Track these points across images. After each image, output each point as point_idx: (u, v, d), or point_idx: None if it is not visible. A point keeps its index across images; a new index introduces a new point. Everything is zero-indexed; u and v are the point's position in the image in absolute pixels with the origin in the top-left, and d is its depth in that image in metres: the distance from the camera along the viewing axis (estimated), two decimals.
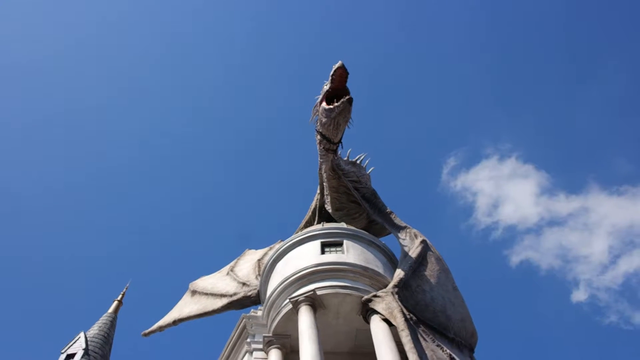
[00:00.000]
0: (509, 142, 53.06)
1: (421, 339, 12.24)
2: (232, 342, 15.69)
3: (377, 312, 13.17)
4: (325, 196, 18.52)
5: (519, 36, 51.81)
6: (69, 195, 53.68)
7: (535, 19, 50.20)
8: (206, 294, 18.53)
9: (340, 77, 14.65)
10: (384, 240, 17.64)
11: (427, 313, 13.51)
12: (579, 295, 45.72)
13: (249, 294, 17.12)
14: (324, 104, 15.21)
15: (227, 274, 19.16)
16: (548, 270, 48.02)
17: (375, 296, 13.45)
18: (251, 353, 14.38)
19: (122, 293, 25.78)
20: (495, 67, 53.07)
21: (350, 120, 15.34)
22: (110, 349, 22.79)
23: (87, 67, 53.02)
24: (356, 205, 18.09)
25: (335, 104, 14.79)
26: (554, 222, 50.11)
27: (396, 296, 13.16)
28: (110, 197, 54.20)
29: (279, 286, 14.88)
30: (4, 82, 50.68)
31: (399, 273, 14.11)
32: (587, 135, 50.28)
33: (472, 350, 14.42)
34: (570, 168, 51.90)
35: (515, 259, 50.16)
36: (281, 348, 14.11)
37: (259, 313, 15.56)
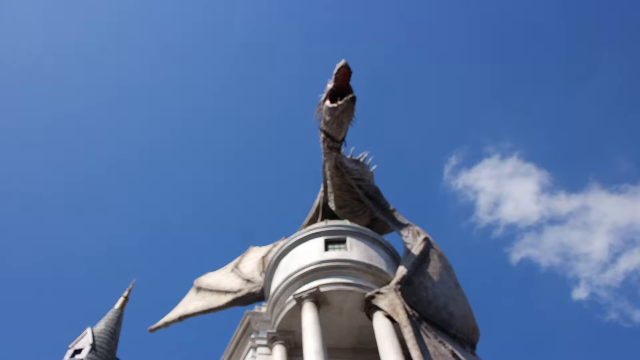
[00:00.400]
0: (511, 140, 52.97)
1: (424, 336, 12.21)
2: (236, 338, 15.68)
3: (380, 309, 13.15)
4: (328, 194, 18.48)
5: (520, 35, 51.64)
6: (76, 193, 53.85)
7: (535, 17, 50.03)
8: (211, 290, 18.54)
9: (344, 75, 14.62)
10: (387, 237, 17.59)
11: (429, 310, 13.48)
12: (580, 293, 45.65)
13: (253, 290, 17.12)
14: (327, 102, 15.19)
15: (232, 270, 19.16)
16: (548, 268, 47.98)
17: (378, 293, 13.43)
18: (255, 349, 14.37)
19: (128, 289, 25.85)
20: (497, 66, 52.95)
21: (353, 118, 15.31)
22: (116, 345, 22.85)
23: (87, 67, 53.13)
24: (359, 203, 18.06)
25: (339, 102, 14.76)
26: (555, 220, 50.02)
27: (399, 293, 13.14)
28: (115, 195, 54.35)
29: (282, 283, 14.86)
30: (5, 82, 50.84)
31: (402, 270, 14.08)
32: (588, 133, 50.14)
33: (473, 346, 14.39)
34: (570, 166, 51.78)
35: (516, 256, 50.09)
36: (285, 344, 14.10)
37: (263, 309, 15.55)
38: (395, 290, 13.22)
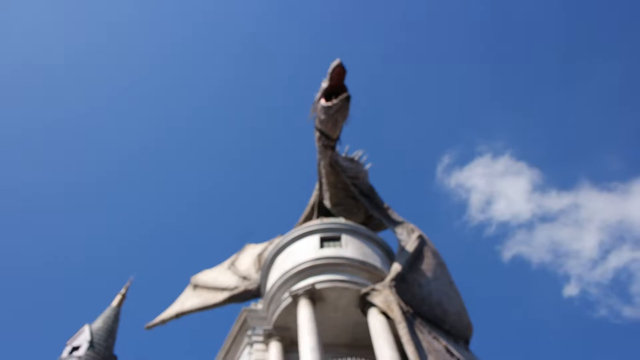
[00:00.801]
0: (503, 139, 53.02)
1: (418, 331, 12.22)
2: (233, 335, 15.66)
3: (374, 305, 13.15)
4: (324, 192, 18.46)
5: (514, 35, 51.74)
6: (75, 193, 53.62)
7: (528, 18, 50.12)
8: (207, 287, 18.50)
9: (338, 75, 14.60)
10: (382, 235, 17.60)
11: (423, 306, 13.49)
12: (570, 290, 45.78)
13: (250, 287, 17.09)
14: (322, 101, 15.16)
15: (228, 268, 19.12)
16: (540, 265, 48.10)
17: (373, 289, 13.42)
18: (252, 345, 14.35)
19: (125, 287, 25.73)
20: (490, 66, 53.00)
21: (348, 117, 15.28)
22: (114, 342, 22.76)
23: (85, 68, 52.83)
24: (354, 201, 18.04)
25: (334, 101, 14.73)
26: (546, 218, 50.17)
27: (393, 289, 13.14)
28: (113, 194, 54.15)
29: (278, 280, 14.84)
30: (5, 83, 50.52)
31: (396, 267, 14.08)
32: (579, 132, 50.25)
33: (467, 342, 14.42)
34: (561, 165, 51.87)
35: (507, 254, 50.21)
36: (281, 340, 14.09)
37: (260, 306, 15.53)
38: (389, 287, 13.22)
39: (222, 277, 18.64)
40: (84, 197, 53.25)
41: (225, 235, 51.14)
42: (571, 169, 51.31)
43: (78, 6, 52.18)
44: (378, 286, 13.44)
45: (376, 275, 14.38)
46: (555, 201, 48.97)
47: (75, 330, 22.36)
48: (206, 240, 52.35)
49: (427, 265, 14.71)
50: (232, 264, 19.28)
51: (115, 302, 24.70)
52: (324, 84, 15.07)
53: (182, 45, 55.07)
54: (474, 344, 14.51)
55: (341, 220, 17.17)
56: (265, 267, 16.48)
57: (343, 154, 18.31)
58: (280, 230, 18.37)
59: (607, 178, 49.69)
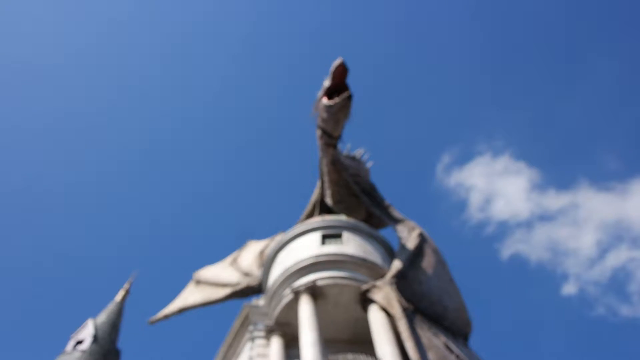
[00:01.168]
0: (503, 139, 52.90)
1: (418, 328, 12.23)
2: (234, 330, 15.66)
3: (375, 302, 13.14)
4: (325, 189, 18.46)
5: (513, 35, 51.62)
6: (79, 190, 53.67)
7: (528, 18, 49.99)
8: (210, 283, 18.53)
9: (341, 74, 14.58)
10: (382, 232, 17.59)
11: (423, 303, 13.49)
12: (569, 289, 45.72)
13: (252, 284, 17.11)
14: (324, 99, 15.14)
15: (230, 264, 19.14)
16: (538, 264, 48.03)
17: (373, 286, 13.42)
18: (253, 340, 14.35)
19: (128, 282, 25.78)
20: (490, 66, 52.88)
21: (349, 115, 15.26)
22: (117, 336, 22.81)
23: (89, 67, 52.78)
24: (355, 199, 18.03)
25: (336, 100, 14.71)
26: (545, 217, 50.06)
27: (394, 286, 13.14)
28: (117, 191, 54.16)
29: (280, 276, 14.84)
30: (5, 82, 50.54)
31: (397, 264, 14.08)
32: (578, 132, 50.12)
33: (466, 338, 14.43)
34: (560, 165, 51.75)
35: (506, 252, 50.14)
36: (282, 336, 14.09)
37: (261, 302, 15.52)
38: (390, 283, 13.23)
39: (224, 273, 18.66)
40: (88, 194, 53.37)
41: (228, 231, 51.18)
42: (570, 169, 51.24)
43: (78, 5, 52.16)
44: (379, 283, 13.44)
45: (377, 272, 14.37)
46: (554, 200, 48.89)
47: (79, 324, 22.42)
48: (209, 236, 52.45)
49: (428, 262, 14.71)
50: (234, 260, 19.30)
51: (118, 297, 24.76)
52: (326, 83, 15.05)
53: (184, 44, 55.02)
54: (472, 341, 14.53)
55: (342, 217, 17.16)
56: (267, 263, 16.49)
57: (345, 152, 18.33)
58: (282, 228, 18.40)
59: (606, 178, 49.67)
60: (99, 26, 51.06)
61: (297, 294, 13.97)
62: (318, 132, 16.56)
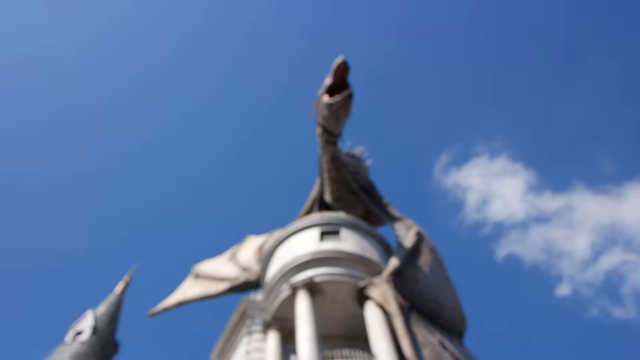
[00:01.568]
0: (500, 140, 52.81)
1: (413, 325, 12.23)
2: (232, 324, 15.66)
3: (371, 299, 13.14)
4: (324, 186, 18.45)
5: (512, 37, 51.51)
6: (80, 182, 53.64)
7: (526, 20, 49.87)
8: (208, 277, 18.53)
9: (342, 72, 14.53)
10: (380, 230, 17.57)
11: (419, 300, 13.49)
12: (562, 290, 45.78)
13: (250, 278, 17.10)
14: (325, 97, 15.09)
15: (229, 258, 19.13)
16: (533, 265, 48.03)
17: (370, 283, 13.42)
18: (250, 335, 14.35)
19: (128, 275, 25.74)
20: (489, 67, 52.79)
21: (350, 114, 15.22)
22: (116, 328, 22.78)
23: (89, 61, 52.61)
24: (354, 196, 18.02)
25: (337, 98, 14.66)
26: (540, 218, 50.07)
27: (391, 284, 13.13)
28: (117, 184, 54.11)
29: (278, 272, 14.83)
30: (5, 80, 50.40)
31: (394, 262, 14.08)
32: (575, 135, 50.07)
33: (461, 336, 14.43)
34: (557, 167, 51.74)
35: (501, 253, 50.13)
36: (279, 330, 14.09)
37: (259, 297, 15.52)
38: (387, 281, 13.22)
39: (223, 267, 18.65)
40: (90, 186, 53.34)
41: (227, 226, 51.17)
42: (566, 171, 51.19)
43: (79, 1, 52.00)
44: (375, 280, 13.44)
45: (374, 269, 14.36)
46: (550, 202, 48.87)
47: (79, 315, 22.40)
48: (208, 230, 52.39)
49: (424, 260, 14.71)
50: (233, 255, 19.29)
51: (118, 289, 24.71)
52: (327, 81, 15.01)
53: (185, 37, 54.92)
54: (466, 340, 14.53)
55: (341, 214, 17.15)
56: (266, 259, 16.48)
57: (344, 150, 18.31)
58: (281, 223, 18.37)
59: (601, 181, 49.62)
60: (100, 19, 50.91)
61: (294, 289, 13.97)
62: (318, 130, 16.53)
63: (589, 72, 48.84)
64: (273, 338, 13.81)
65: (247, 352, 13.65)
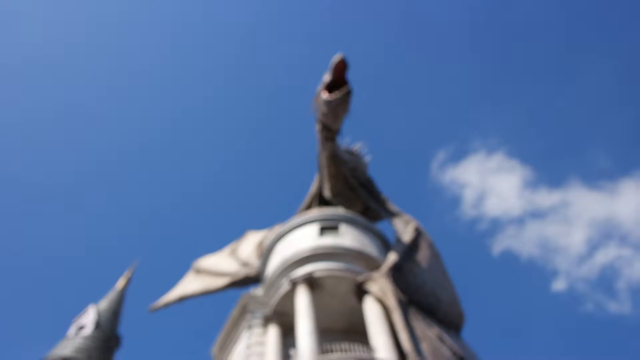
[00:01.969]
0: (497, 136, 52.78)
1: (412, 319, 12.27)
2: (233, 319, 15.68)
3: (370, 293, 13.17)
4: (324, 182, 18.47)
5: (509, 34, 51.46)
6: (82, 179, 53.64)
7: (523, 18, 49.78)
8: (209, 272, 18.55)
9: (341, 69, 14.52)
10: (379, 225, 17.61)
11: (418, 295, 13.52)
12: (558, 285, 45.86)
13: (250, 273, 17.13)
14: (324, 94, 15.08)
15: (229, 254, 19.16)
16: (529, 260, 48.09)
17: (369, 278, 13.44)
18: (250, 329, 14.38)
19: (130, 270, 25.75)
20: (485, 64, 52.71)
21: (348, 110, 15.22)
22: (118, 322, 22.82)
23: (91, 59, 52.50)
24: (353, 192, 18.06)
25: (335, 94, 14.65)
26: (536, 214, 50.11)
27: (389, 278, 13.16)
28: (119, 180, 54.09)
29: (278, 267, 14.86)
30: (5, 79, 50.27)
31: (392, 257, 14.11)
32: (570, 131, 50.05)
33: (458, 330, 14.46)
34: (553, 163, 51.74)
35: (497, 248, 50.21)
36: (279, 325, 14.12)
37: (259, 292, 15.54)
38: (385, 275, 13.24)
39: (224, 262, 18.68)
40: (91, 183, 53.28)
41: (228, 221, 51.17)
42: (562, 167, 51.20)
43: (79, 1, 51.81)
44: (374, 275, 13.47)
45: (373, 264, 14.39)
46: (546, 198, 48.88)
47: (81, 310, 22.43)
48: (209, 226, 52.40)
49: (423, 255, 14.73)
50: (234, 250, 19.32)
51: (120, 285, 24.71)
52: (326, 78, 14.98)
53: (186, 35, 54.76)
54: (463, 334, 14.56)
55: (340, 210, 17.18)
56: (266, 254, 16.50)
57: (343, 147, 18.32)
58: (281, 219, 18.39)
59: (597, 177, 49.66)
60: (100, 19, 50.76)
61: (294, 284, 14.00)
62: (318, 126, 16.53)
63: (585, 69, 48.83)
64: (273, 332, 13.84)
65: (248, 346, 13.68)
